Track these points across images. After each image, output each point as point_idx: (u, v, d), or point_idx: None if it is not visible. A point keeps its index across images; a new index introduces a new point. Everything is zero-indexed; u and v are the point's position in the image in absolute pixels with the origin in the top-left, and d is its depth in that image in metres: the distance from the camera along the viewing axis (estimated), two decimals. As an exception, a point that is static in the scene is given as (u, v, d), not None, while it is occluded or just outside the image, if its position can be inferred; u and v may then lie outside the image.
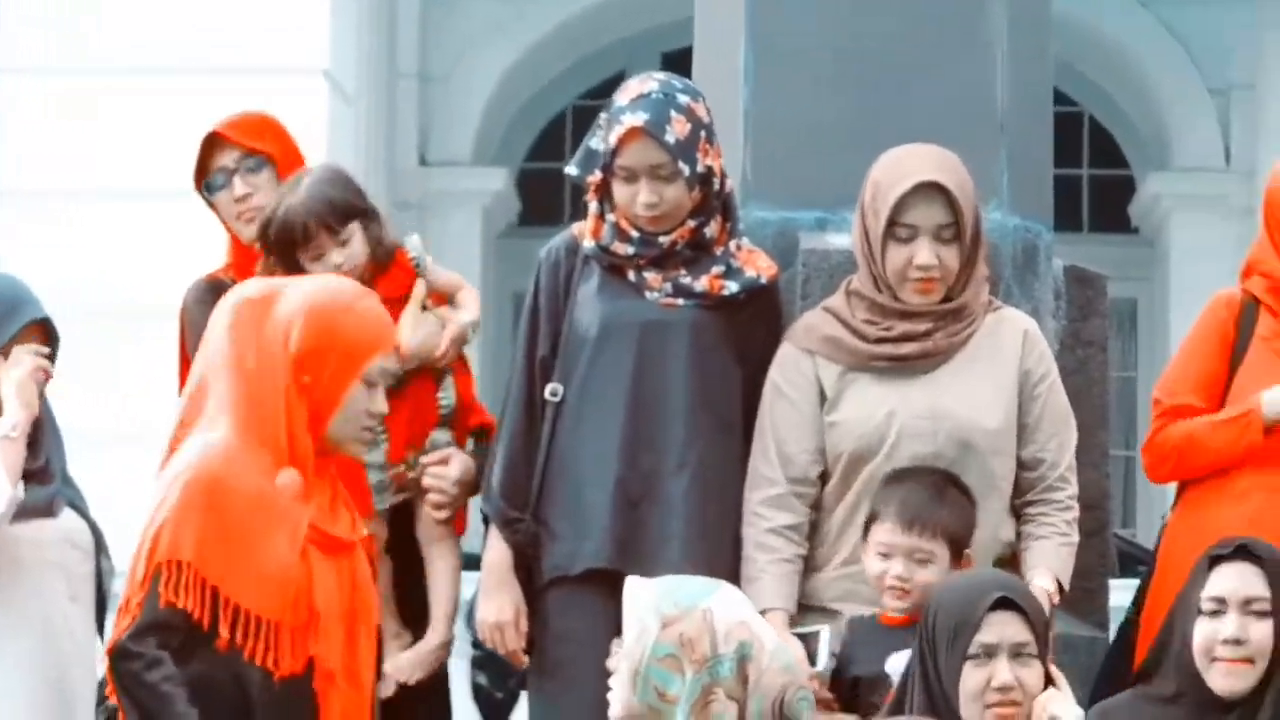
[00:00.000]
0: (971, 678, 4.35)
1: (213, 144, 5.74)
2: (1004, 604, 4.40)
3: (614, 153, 5.12)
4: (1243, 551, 4.57)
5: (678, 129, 5.10)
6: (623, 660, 4.40)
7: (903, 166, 4.98)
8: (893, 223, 4.95)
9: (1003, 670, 4.35)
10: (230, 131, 5.76)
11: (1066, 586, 4.93)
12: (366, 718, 4.70)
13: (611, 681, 4.44)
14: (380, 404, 4.76)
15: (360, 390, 4.69)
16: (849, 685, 4.88)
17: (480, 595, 5.17)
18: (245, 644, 4.49)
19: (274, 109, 6.74)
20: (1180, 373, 5.20)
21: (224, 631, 4.46)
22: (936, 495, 4.84)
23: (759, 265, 5.19)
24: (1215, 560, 4.56)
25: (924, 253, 4.93)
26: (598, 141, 5.20)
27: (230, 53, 12.29)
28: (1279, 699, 4.57)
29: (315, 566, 4.57)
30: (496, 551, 5.19)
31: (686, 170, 5.07)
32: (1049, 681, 4.60)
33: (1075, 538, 5.05)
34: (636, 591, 4.43)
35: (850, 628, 4.87)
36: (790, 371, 5.06)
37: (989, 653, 4.34)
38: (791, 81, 5.62)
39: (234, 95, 11.74)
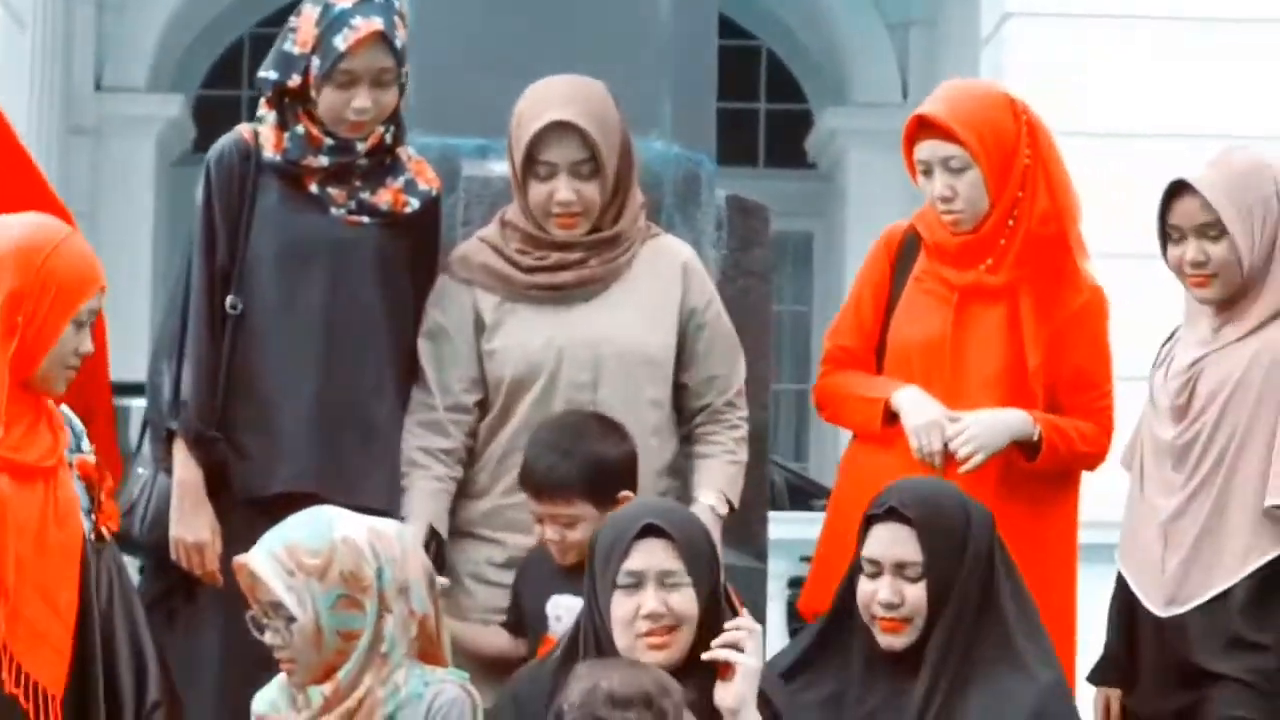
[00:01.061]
0: (621, 606, 4.37)
1: None
2: (651, 531, 4.37)
3: (341, 56, 5.04)
4: (894, 513, 4.61)
5: (401, 35, 5.13)
6: (295, 634, 4.43)
7: (541, 102, 5.02)
8: (531, 160, 4.93)
9: (650, 598, 4.34)
10: None
11: (736, 503, 5.00)
12: (62, 633, 4.62)
13: (285, 654, 4.49)
14: (87, 344, 4.68)
15: (70, 331, 4.60)
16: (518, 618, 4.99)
17: (175, 515, 5.06)
18: None
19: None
20: (843, 314, 5.28)
21: None
22: (564, 454, 4.90)
23: (427, 176, 5.21)
24: (870, 520, 4.61)
25: (563, 189, 4.97)
26: (296, 46, 5.13)
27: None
28: (940, 655, 4.62)
29: (3, 490, 4.48)
30: (189, 470, 5.08)
31: (399, 78, 5.15)
32: (730, 610, 4.65)
33: (743, 457, 5.09)
34: (259, 556, 4.47)
35: (526, 562, 4.95)
36: (447, 302, 5.08)
37: (637, 581, 4.33)
38: (455, 6, 5.55)
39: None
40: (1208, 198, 4.86)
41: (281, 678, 4.50)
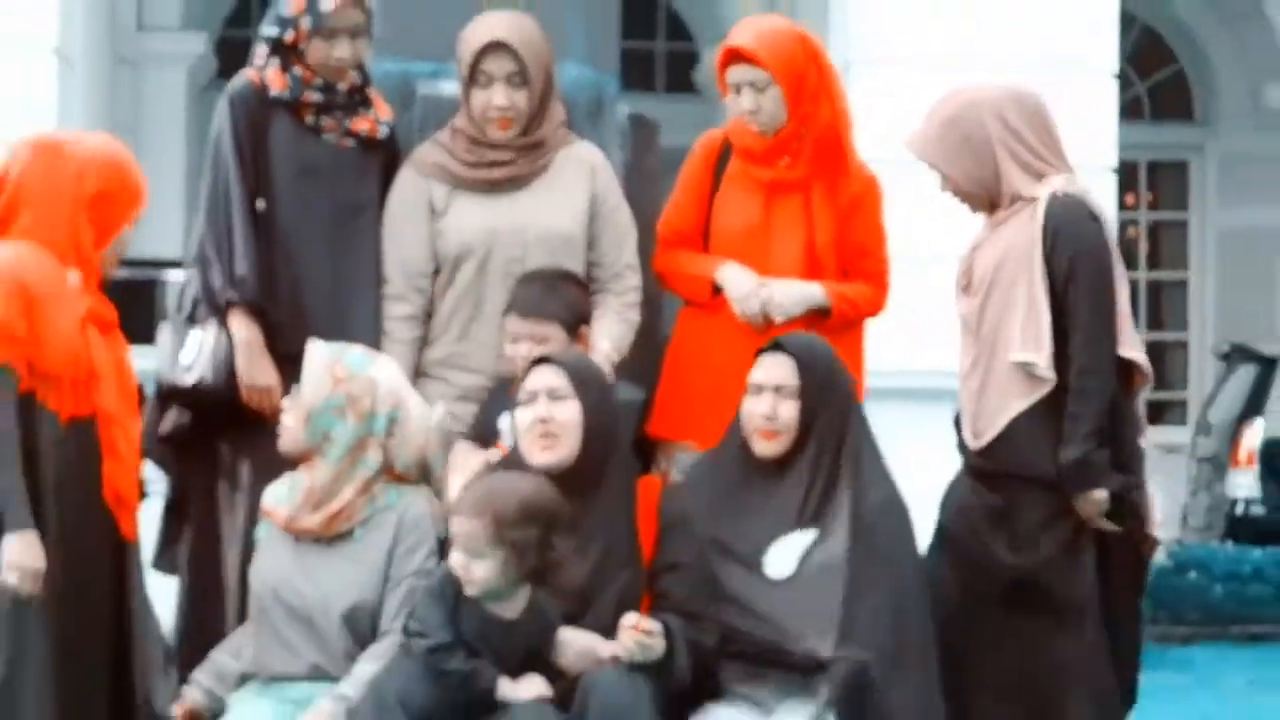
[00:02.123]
0: (522, 418, 4.42)
1: None
2: (543, 360, 4.47)
3: (326, 16, 4.99)
4: (778, 346, 4.67)
5: None
6: (298, 405, 4.53)
7: (484, 27, 5.03)
8: (474, 71, 4.94)
9: (540, 407, 4.35)
10: None
11: (625, 352, 5.01)
12: (136, 453, 4.63)
13: (285, 419, 4.57)
14: (125, 248, 4.72)
15: (128, 231, 4.65)
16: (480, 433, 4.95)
17: (243, 366, 4.94)
18: (38, 389, 4.39)
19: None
20: (673, 205, 5.28)
21: (23, 373, 4.41)
22: (549, 289, 4.88)
23: (385, 110, 5.19)
24: (760, 352, 4.68)
25: (498, 95, 4.96)
26: (291, 9, 5.03)
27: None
28: (813, 462, 4.59)
29: (92, 338, 4.52)
30: (251, 331, 4.98)
31: (369, 32, 5.11)
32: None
33: (634, 318, 5.10)
34: (314, 352, 4.56)
35: (491, 391, 4.95)
36: (408, 190, 5.09)
37: (531, 397, 4.37)
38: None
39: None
40: (917, 153, 4.92)
41: (286, 478, 4.61)
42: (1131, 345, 4.79)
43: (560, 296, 4.88)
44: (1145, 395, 5.06)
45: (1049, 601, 4.74)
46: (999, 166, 4.84)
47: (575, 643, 4.28)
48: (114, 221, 4.63)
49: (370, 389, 4.51)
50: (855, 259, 5.15)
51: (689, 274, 5.15)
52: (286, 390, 4.78)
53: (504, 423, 4.77)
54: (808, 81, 5.09)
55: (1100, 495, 4.67)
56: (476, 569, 4.16)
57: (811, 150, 5.10)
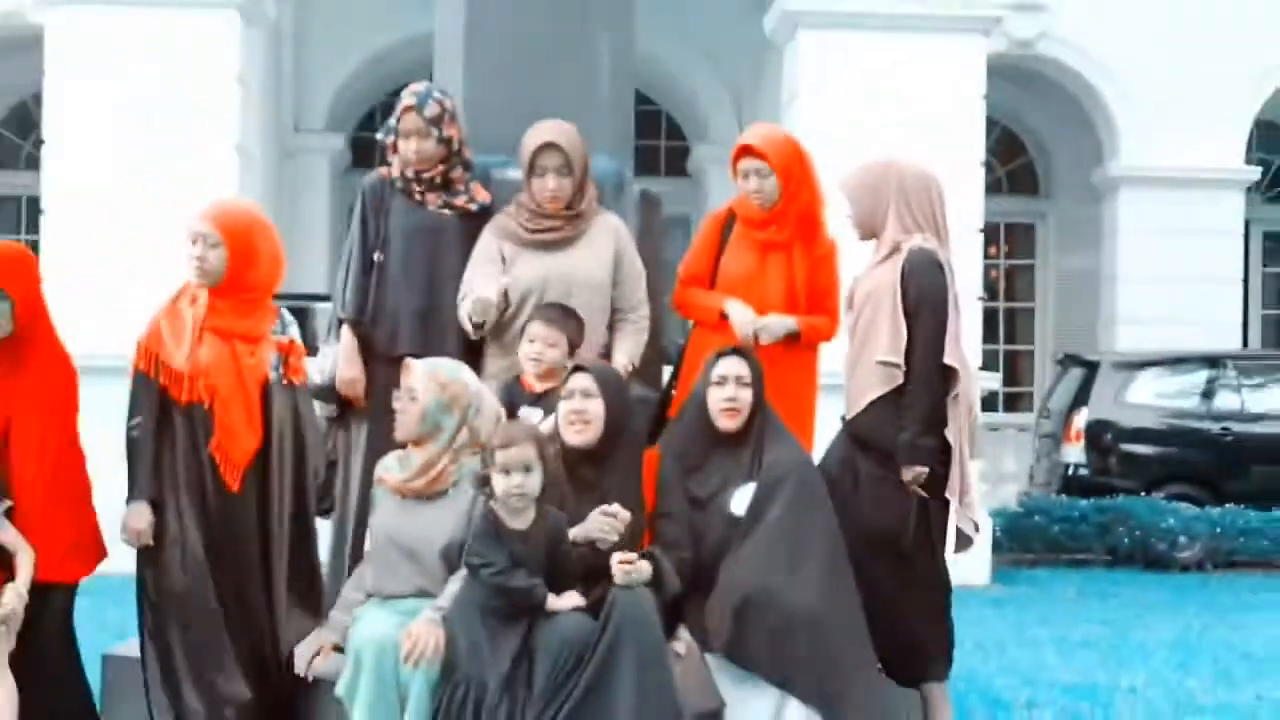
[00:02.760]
0: (562, 408, 4.46)
1: None
2: (579, 369, 4.53)
3: (400, 117, 5.07)
4: (736, 351, 4.75)
5: (431, 110, 5.03)
6: (413, 405, 4.45)
7: (537, 133, 5.04)
8: (532, 165, 5.00)
9: (576, 402, 4.44)
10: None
11: (637, 363, 5.04)
12: (248, 424, 4.48)
13: (400, 416, 4.51)
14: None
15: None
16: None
17: (341, 366, 5.02)
18: (169, 386, 4.43)
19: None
20: (689, 257, 5.32)
21: (165, 381, 4.46)
22: (565, 314, 4.85)
23: (482, 195, 5.18)
24: (719, 355, 4.72)
25: (550, 182, 5.00)
26: (391, 121, 5.13)
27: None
28: (759, 433, 4.62)
29: (209, 344, 4.48)
30: (348, 339, 5.06)
31: (434, 134, 5.05)
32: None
33: (643, 337, 5.12)
34: (416, 366, 4.51)
35: (505, 385, 4.88)
36: (487, 245, 5.07)
37: (570, 394, 4.44)
38: (490, 89, 5.44)
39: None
40: (841, 188, 5.02)
41: (395, 453, 4.58)
42: (953, 357, 4.78)
43: (571, 322, 4.83)
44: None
45: (889, 538, 4.75)
46: (887, 215, 4.89)
47: (583, 529, 4.30)
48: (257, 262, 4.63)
49: (464, 390, 4.48)
50: (819, 300, 5.17)
51: (703, 305, 5.17)
52: (383, 383, 4.84)
53: (523, 412, 4.70)
54: (795, 174, 5.10)
55: (920, 470, 4.71)
56: (530, 481, 4.17)
57: (794, 222, 5.12)
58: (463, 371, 4.58)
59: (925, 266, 4.80)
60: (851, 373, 4.94)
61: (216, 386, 4.45)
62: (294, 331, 4.71)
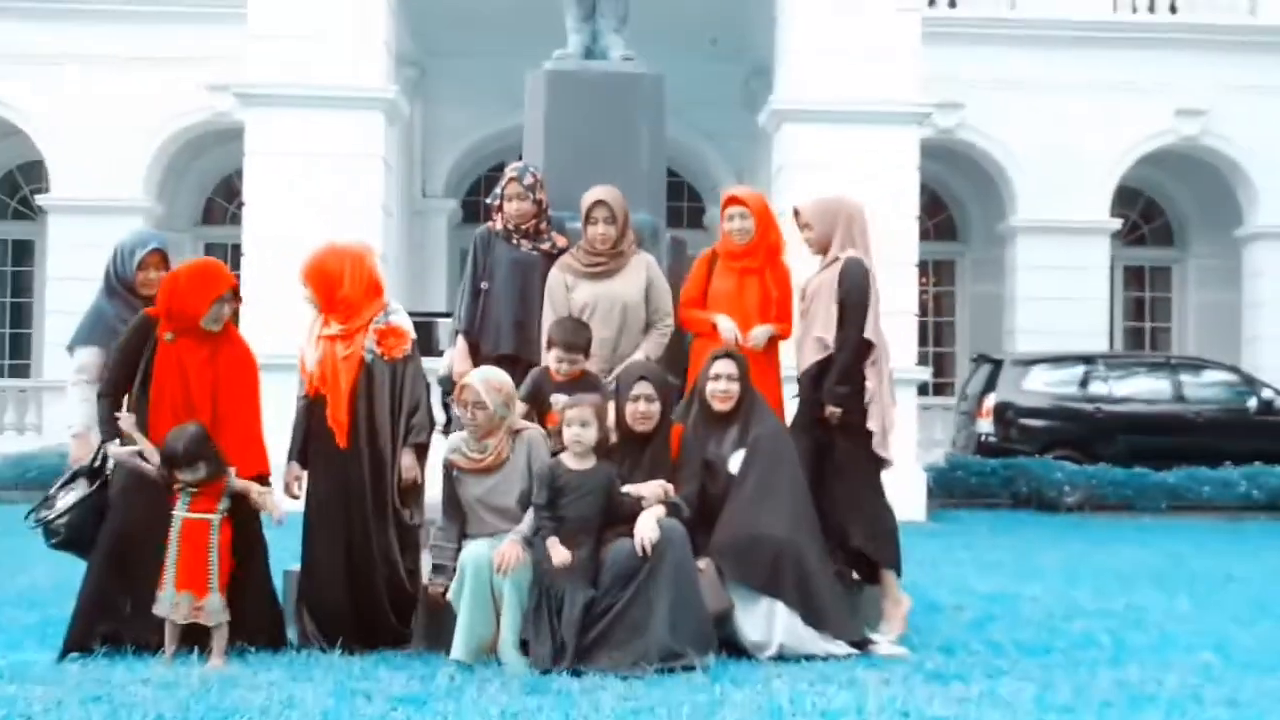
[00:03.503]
0: (630, 408, 4.39)
1: None
2: (642, 378, 4.46)
3: (505, 186, 5.06)
4: (729, 354, 4.66)
5: (528, 180, 5.05)
6: (482, 413, 4.25)
7: (591, 194, 5.01)
8: (588, 216, 4.97)
9: (641, 405, 4.40)
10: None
11: (654, 357, 4.86)
12: (344, 408, 4.36)
13: (475, 424, 4.29)
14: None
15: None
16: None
17: (456, 361, 4.94)
18: (307, 380, 4.47)
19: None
20: (687, 286, 5.17)
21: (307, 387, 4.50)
22: (576, 329, 4.69)
23: (561, 240, 5.12)
24: (715, 358, 4.63)
25: (600, 229, 4.96)
26: (498, 187, 5.09)
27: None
28: (745, 415, 4.53)
29: (320, 348, 4.43)
30: (462, 344, 5.01)
31: (530, 197, 5.05)
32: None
33: (666, 339, 5.02)
34: (476, 377, 4.34)
35: (533, 375, 4.73)
36: (558, 275, 4.99)
37: (636, 398, 4.39)
38: (563, 164, 5.41)
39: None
40: (803, 211, 4.99)
41: (456, 435, 4.44)
42: (872, 333, 4.79)
43: (583, 334, 4.67)
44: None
45: (830, 459, 4.78)
46: (838, 235, 4.90)
47: (637, 489, 4.26)
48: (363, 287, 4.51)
49: (509, 386, 4.38)
50: (782, 311, 5.08)
51: (699, 320, 5.06)
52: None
53: (554, 397, 4.55)
54: (765, 220, 5.07)
55: (835, 410, 4.72)
56: (587, 433, 4.19)
57: (764, 253, 5.06)
58: (503, 374, 4.44)
59: (856, 272, 4.83)
60: (800, 345, 4.95)
61: (325, 377, 4.39)
62: (395, 319, 4.49)
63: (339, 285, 4.42)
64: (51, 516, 4.20)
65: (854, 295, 4.79)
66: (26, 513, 4.29)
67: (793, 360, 5.01)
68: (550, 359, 4.71)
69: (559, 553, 4.07)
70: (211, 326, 4.23)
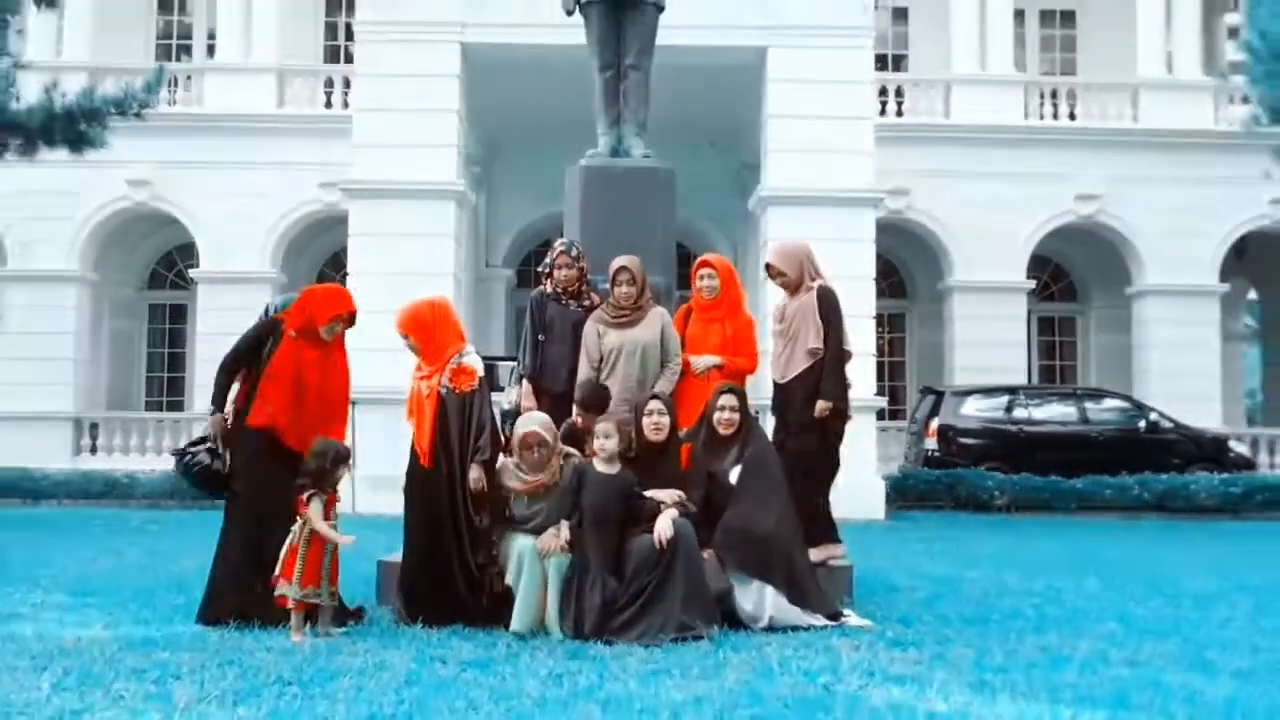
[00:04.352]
0: (645, 421, 4.31)
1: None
2: (655, 397, 4.45)
3: (555, 258, 5.00)
4: (731, 389, 4.55)
5: (574, 252, 5.01)
6: (546, 450, 4.17)
7: (616, 262, 4.95)
8: (614, 279, 4.91)
9: (654, 418, 4.31)
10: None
11: (668, 391, 4.75)
12: (428, 418, 4.21)
13: (540, 461, 4.18)
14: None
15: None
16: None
17: (523, 400, 4.82)
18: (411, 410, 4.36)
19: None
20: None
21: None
22: (595, 393, 4.62)
23: (597, 299, 5.04)
24: (720, 393, 4.52)
25: (623, 289, 4.89)
26: (549, 258, 5.03)
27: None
28: (744, 438, 4.43)
29: (415, 384, 4.31)
30: (528, 386, 4.90)
31: (575, 266, 5.00)
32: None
33: (675, 376, 4.87)
34: (536, 428, 4.23)
35: (564, 429, 4.52)
36: (591, 325, 4.92)
37: (649, 413, 4.31)
38: (595, 239, 5.36)
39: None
40: (773, 258, 5.01)
41: (512, 460, 4.26)
42: (847, 343, 4.90)
43: (601, 394, 4.62)
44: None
45: (805, 455, 4.78)
46: (804, 273, 4.96)
47: (656, 494, 4.23)
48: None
49: (553, 423, 4.33)
50: (741, 347, 4.93)
51: (685, 359, 4.95)
52: (552, 414, 4.47)
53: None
54: (729, 279, 4.99)
55: (826, 405, 4.78)
56: (610, 443, 4.18)
57: (727, 306, 4.97)
58: (547, 418, 4.36)
59: (831, 295, 4.93)
60: (787, 356, 4.90)
61: (412, 409, 4.31)
62: (467, 360, 4.32)
63: (432, 332, 4.33)
64: (191, 449, 4.12)
65: (834, 313, 4.90)
66: (174, 450, 4.28)
67: (759, 385, 4.95)
68: (575, 411, 4.67)
69: (563, 533, 4.04)
70: (326, 336, 4.21)
